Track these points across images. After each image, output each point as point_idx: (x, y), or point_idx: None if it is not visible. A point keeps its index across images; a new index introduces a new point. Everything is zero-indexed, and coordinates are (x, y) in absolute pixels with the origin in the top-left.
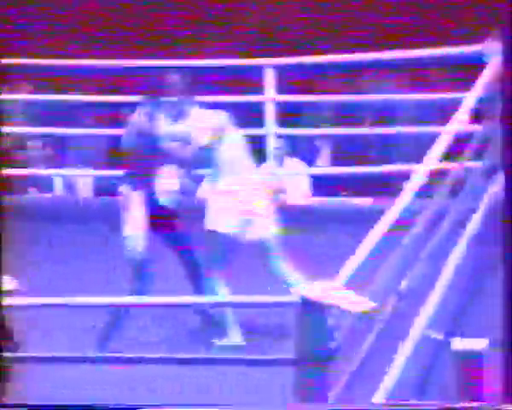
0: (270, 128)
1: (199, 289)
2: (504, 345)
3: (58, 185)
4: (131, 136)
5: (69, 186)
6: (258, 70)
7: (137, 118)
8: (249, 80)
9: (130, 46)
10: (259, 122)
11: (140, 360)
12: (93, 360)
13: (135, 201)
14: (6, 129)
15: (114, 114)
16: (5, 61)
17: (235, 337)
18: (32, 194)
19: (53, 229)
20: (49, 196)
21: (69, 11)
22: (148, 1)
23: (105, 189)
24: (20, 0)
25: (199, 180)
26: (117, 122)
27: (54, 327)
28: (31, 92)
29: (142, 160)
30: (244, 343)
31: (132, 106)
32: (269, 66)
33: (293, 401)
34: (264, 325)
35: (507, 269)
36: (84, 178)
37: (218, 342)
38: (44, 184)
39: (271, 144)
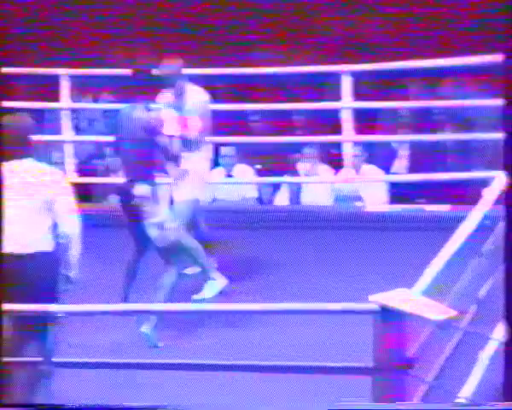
0: (348, 135)
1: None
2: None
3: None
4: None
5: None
6: (336, 76)
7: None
8: (327, 87)
9: (210, 53)
10: (337, 129)
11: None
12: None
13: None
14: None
15: None
16: (87, 70)
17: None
18: (113, 201)
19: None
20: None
21: (147, 21)
22: (228, 8)
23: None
24: (103, 12)
25: None
26: None
27: None
28: (111, 101)
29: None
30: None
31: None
32: (346, 72)
33: None
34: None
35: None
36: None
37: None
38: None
39: (349, 151)
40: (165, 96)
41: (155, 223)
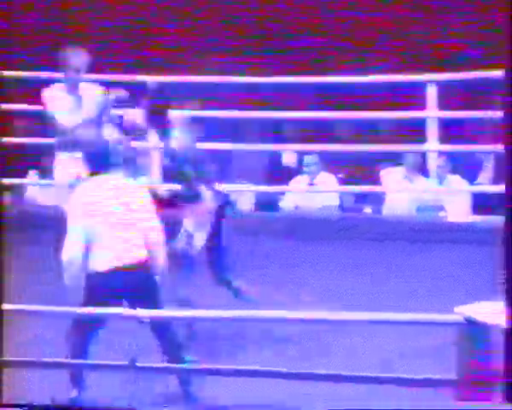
0: (433, 145)
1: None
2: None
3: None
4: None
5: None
6: (421, 86)
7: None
8: (412, 96)
9: (294, 62)
10: (422, 138)
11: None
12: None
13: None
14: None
15: (275, 130)
16: (172, 78)
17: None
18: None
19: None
20: None
21: (229, 29)
22: (313, 18)
23: (266, 204)
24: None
25: None
26: (276, 138)
27: None
28: (198, 108)
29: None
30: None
31: (290, 123)
32: (431, 82)
33: None
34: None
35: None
36: (246, 193)
37: None
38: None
39: (433, 161)
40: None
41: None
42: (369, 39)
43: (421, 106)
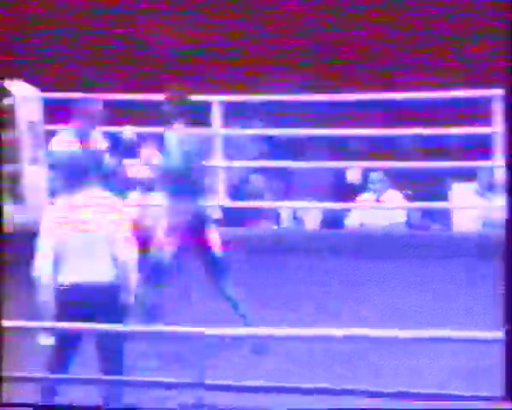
0: (498, 160)
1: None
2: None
3: (285, 217)
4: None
5: (296, 218)
6: (487, 101)
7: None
8: (478, 111)
9: (357, 79)
10: (489, 154)
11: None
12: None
13: None
14: (236, 162)
15: (341, 147)
16: (238, 97)
17: None
18: (260, 226)
19: (280, 260)
20: (276, 227)
21: (297, 45)
22: (381, 35)
23: (332, 221)
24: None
25: None
26: (342, 155)
27: None
28: (261, 127)
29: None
30: None
31: (356, 139)
32: (496, 97)
33: None
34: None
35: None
36: (312, 211)
37: None
38: (272, 216)
39: (501, 176)
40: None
41: None
42: (435, 55)
43: (488, 121)
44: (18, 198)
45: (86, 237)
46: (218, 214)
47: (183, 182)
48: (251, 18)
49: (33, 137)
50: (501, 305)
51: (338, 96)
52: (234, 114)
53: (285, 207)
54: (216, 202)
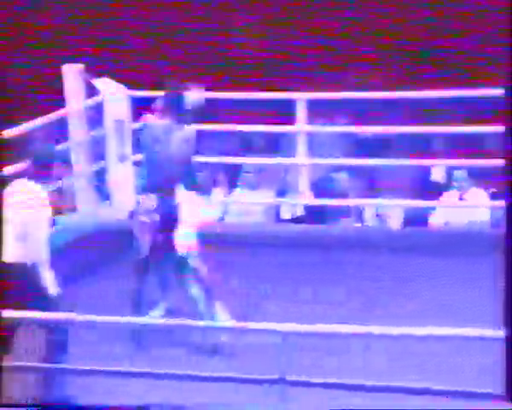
0: None
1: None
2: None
3: (368, 215)
4: None
5: (379, 216)
6: None
7: None
8: None
9: (439, 77)
10: None
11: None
12: None
13: None
14: (320, 160)
15: (424, 145)
16: (322, 94)
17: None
18: (344, 224)
19: (365, 259)
20: (359, 225)
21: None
22: (456, 32)
23: (415, 219)
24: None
25: None
26: (425, 153)
27: None
28: (346, 124)
29: None
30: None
31: (440, 137)
32: None
33: None
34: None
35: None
36: (395, 209)
37: None
38: (355, 214)
39: None
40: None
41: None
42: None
43: None
44: (104, 196)
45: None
46: (300, 212)
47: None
48: (337, 14)
49: (120, 135)
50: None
51: (422, 93)
52: (318, 111)
53: (368, 205)
54: (299, 199)
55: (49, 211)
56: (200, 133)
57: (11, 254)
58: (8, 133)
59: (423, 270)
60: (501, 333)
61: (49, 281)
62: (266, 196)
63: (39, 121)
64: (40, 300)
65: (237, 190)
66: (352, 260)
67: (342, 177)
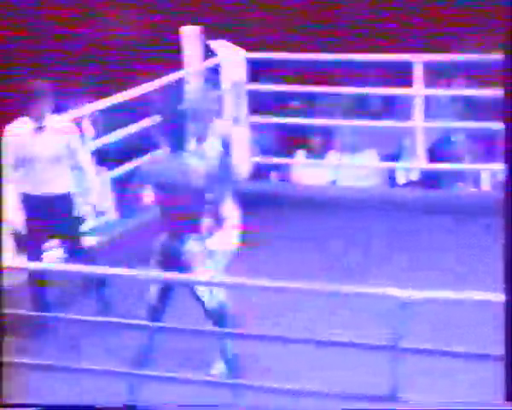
0: None
1: None
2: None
3: (485, 180)
4: None
5: (496, 181)
6: None
7: None
8: None
9: None
10: None
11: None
12: None
13: None
14: (433, 123)
15: None
16: (440, 56)
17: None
18: (460, 188)
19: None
20: (474, 190)
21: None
22: None
23: None
24: None
25: None
26: None
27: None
28: (464, 86)
29: None
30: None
31: None
32: None
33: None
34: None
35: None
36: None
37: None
38: (471, 179)
39: None
40: None
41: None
42: None
43: None
44: None
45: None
46: (415, 176)
47: None
48: None
49: (236, 97)
50: None
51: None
52: (435, 73)
53: (485, 169)
54: (415, 163)
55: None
56: (314, 95)
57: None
58: (129, 94)
59: None
60: None
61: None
62: (372, 159)
63: (158, 83)
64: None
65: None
66: (466, 227)
67: (459, 140)
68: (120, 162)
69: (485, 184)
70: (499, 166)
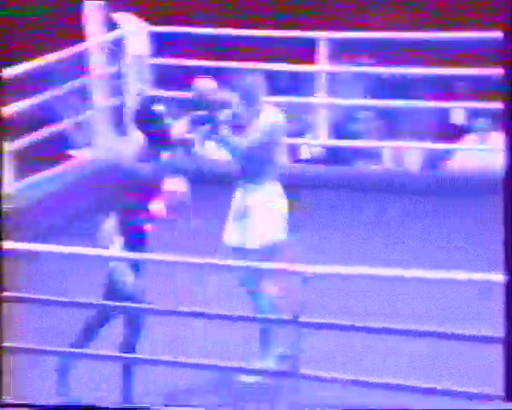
0: None
1: None
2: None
3: (386, 157)
4: None
5: (397, 159)
6: None
7: None
8: None
9: (463, 17)
10: None
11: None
12: None
13: None
14: (340, 100)
15: (446, 87)
16: (344, 34)
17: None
18: (360, 165)
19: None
20: (376, 167)
21: None
22: None
23: (433, 162)
24: None
25: None
26: (446, 95)
27: None
28: (369, 64)
29: None
30: None
31: (461, 79)
32: None
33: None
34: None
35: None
36: (413, 151)
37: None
38: (373, 156)
39: None
40: None
41: None
42: None
43: None
44: (122, 132)
45: None
46: (319, 153)
47: None
48: None
49: (139, 71)
50: None
51: (444, 35)
52: (341, 51)
53: (387, 146)
54: (318, 140)
55: None
56: (219, 70)
57: None
58: (34, 65)
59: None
60: None
61: None
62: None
63: (59, 55)
64: None
65: None
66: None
67: (363, 117)
68: (22, 134)
69: (387, 162)
70: (401, 144)
